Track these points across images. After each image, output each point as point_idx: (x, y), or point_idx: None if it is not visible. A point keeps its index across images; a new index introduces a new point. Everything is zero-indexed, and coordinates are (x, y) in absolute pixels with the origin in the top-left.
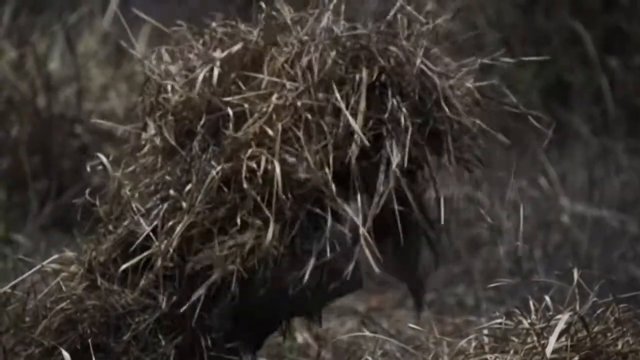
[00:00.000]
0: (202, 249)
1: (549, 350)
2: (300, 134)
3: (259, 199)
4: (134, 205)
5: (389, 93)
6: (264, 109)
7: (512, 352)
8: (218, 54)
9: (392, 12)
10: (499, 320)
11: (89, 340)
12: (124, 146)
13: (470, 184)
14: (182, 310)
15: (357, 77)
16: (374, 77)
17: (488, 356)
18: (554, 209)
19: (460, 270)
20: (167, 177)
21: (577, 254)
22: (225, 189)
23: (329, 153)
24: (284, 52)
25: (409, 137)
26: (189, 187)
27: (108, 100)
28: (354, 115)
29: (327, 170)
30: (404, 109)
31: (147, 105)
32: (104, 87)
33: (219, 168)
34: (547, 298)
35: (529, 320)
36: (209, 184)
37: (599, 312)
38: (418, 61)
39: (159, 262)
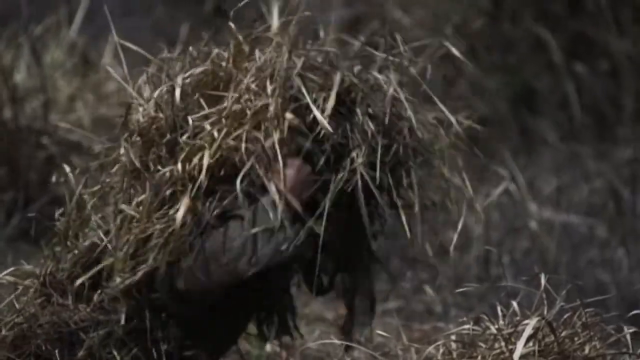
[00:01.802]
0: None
1: (516, 356)
2: (259, 134)
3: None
4: (94, 221)
5: (358, 111)
6: (222, 120)
7: (479, 357)
8: (181, 76)
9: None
10: (466, 326)
11: (43, 356)
12: (91, 162)
13: (438, 191)
14: (134, 324)
15: (329, 83)
16: (345, 86)
17: None
18: (522, 215)
19: (429, 277)
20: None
21: (545, 260)
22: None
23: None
24: (250, 73)
25: (379, 147)
26: (140, 199)
27: (75, 111)
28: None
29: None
30: (371, 125)
31: (120, 123)
32: (71, 97)
33: (168, 168)
34: (514, 304)
35: (497, 326)
36: (163, 191)
37: (566, 316)
38: (391, 89)
39: (117, 279)
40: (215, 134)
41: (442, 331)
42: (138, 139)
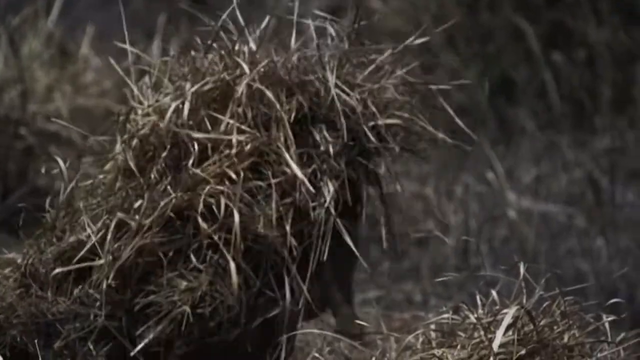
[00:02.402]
0: (150, 289)
1: (495, 345)
2: (262, 183)
3: (221, 244)
4: (84, 219)
5: (313, 127)
6: (226, 151)
7: (459, 347)
8: (189, 88)
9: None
10: (446, 315)
11: (19, 346)
12: (85, 157)
13: (418, 180)
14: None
15: (278, 114)
16: (294, 113)
17: (435, 351)
18: (501, 204)
19: (408, 267)
20: (119, 200)
21: (524, 249)
22: (179, 221)
23: (289, 209)
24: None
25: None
26: (138, 206)
27: (53, 102)
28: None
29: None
30: (329, 138)
31: (119, 122)
32: (49, 88)
33: (172, 195)
34: (494, 293)
35: (476, 315)
36: (161, 208)
37: (545, 305)
38: (333, 90)
39: (104, 282)
40: (232, 174)
41: (421, 320)
42: (137, 141)
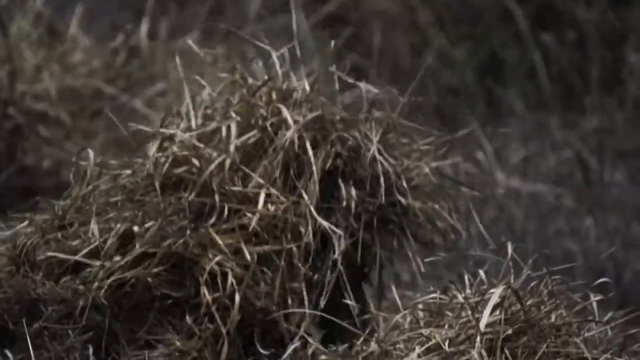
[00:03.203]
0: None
1: (482, 324)
2: (276, 259)
3: (218, 316)
4: (92, 228)
5: (342, 182)
6: (247, 218)
7: (446, 326)
8: (233, 141)
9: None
10: (433, 295)
11: (1, 323)
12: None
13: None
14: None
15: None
16: (329, 164)
17: (423, 330)
18: (490, 184)
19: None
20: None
21: (512, 229)
22: (181, 268)
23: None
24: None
25: (361, 225)
26: (147, 228)
27: (41, 82)
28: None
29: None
30: (354, 196)
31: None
32: (37, 68)
33: (183, 240)
34: (481, 272)
35: (464, 295)
36: (168, 245)
37: (532, 285)
38: (374, 151)
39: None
40: (246, 253)
41: (409, 300)
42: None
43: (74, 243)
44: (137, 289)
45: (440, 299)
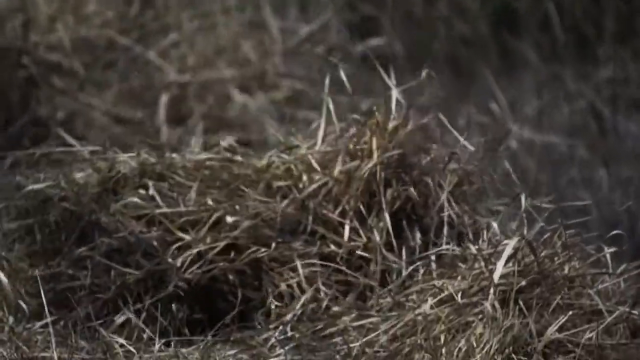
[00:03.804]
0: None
1: (496, 276)
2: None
3: None
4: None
5: (408, 224)
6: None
7: (459, 277)
8: (338, 167)
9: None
10: (447, 247)
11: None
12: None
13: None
14: None
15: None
16: (397, 206)
17: (436, 282)
18: (503, 135)
19: None
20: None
21: (525, 180)
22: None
23: None
24: None
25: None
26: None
27: (55, 32)
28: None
29: None
30: (418, 239)
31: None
32: (51, 18)
33: (254, 250)
34: (494, 224)
35: (477, 246)
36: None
37: (546, 237)
38: (443, 197)
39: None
40: None
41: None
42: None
43: (160, 202)
44: (217, 278)
45: (452, 250)
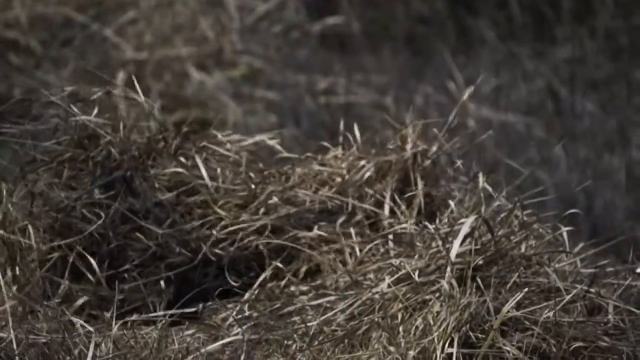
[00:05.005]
0: None
1: (453, 254)
2: None
3: None
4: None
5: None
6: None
7: (417, 256)
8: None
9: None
10: (404, 226)
11: None
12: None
13: (377, 90)
14: None
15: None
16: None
17: (393, 260)
18: (461, 114)
19: None
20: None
21: (483, 159)
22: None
23: None
24: None
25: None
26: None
27: (12, 9)
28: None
29: None
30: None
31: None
32: None
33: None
34: (451, 203)
35: (434, 225)
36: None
37: (503, 215)
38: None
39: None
40: None
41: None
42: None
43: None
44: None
45: (410, 229)
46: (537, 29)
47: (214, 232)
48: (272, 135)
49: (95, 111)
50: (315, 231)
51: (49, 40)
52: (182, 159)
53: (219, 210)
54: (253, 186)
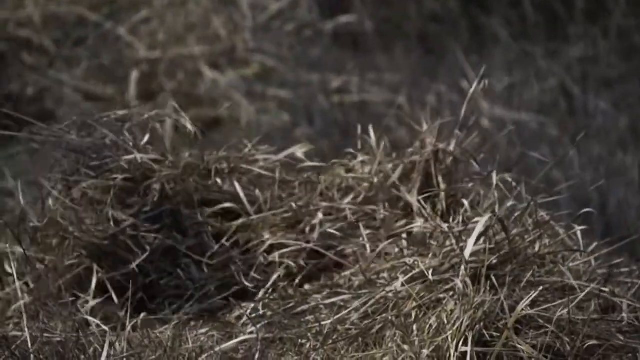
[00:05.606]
0: None
1: (467, 253)
2: None
3: None
4: None
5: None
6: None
7: (430, 255)
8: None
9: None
10: (418, 224)
11: None
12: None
13: (390, 88)
14: None
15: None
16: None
17: (407, 259)
18: (474, 113)
19: None
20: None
21: (496, 158)
22: None
23: None
24: None
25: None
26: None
27: (25, 8)
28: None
29: None
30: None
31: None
32: None
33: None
34: (465, 202)
35: (448, 224)
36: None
37: (517, 214)
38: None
39: None
40: None
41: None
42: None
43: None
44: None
45: (424, 228)
46: (550, 28)
47: (261, 258)
48: (304, 147)
49: (146, 138)
50: (361, 241)
51: (62, 39)
52: (218, 180)
53: (265, 235)
54: (294, 206)
